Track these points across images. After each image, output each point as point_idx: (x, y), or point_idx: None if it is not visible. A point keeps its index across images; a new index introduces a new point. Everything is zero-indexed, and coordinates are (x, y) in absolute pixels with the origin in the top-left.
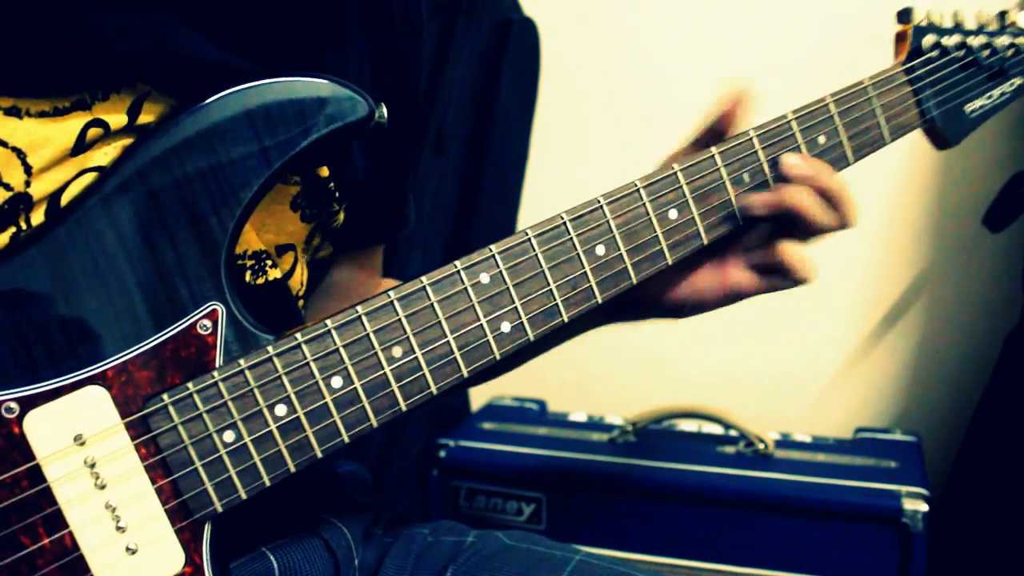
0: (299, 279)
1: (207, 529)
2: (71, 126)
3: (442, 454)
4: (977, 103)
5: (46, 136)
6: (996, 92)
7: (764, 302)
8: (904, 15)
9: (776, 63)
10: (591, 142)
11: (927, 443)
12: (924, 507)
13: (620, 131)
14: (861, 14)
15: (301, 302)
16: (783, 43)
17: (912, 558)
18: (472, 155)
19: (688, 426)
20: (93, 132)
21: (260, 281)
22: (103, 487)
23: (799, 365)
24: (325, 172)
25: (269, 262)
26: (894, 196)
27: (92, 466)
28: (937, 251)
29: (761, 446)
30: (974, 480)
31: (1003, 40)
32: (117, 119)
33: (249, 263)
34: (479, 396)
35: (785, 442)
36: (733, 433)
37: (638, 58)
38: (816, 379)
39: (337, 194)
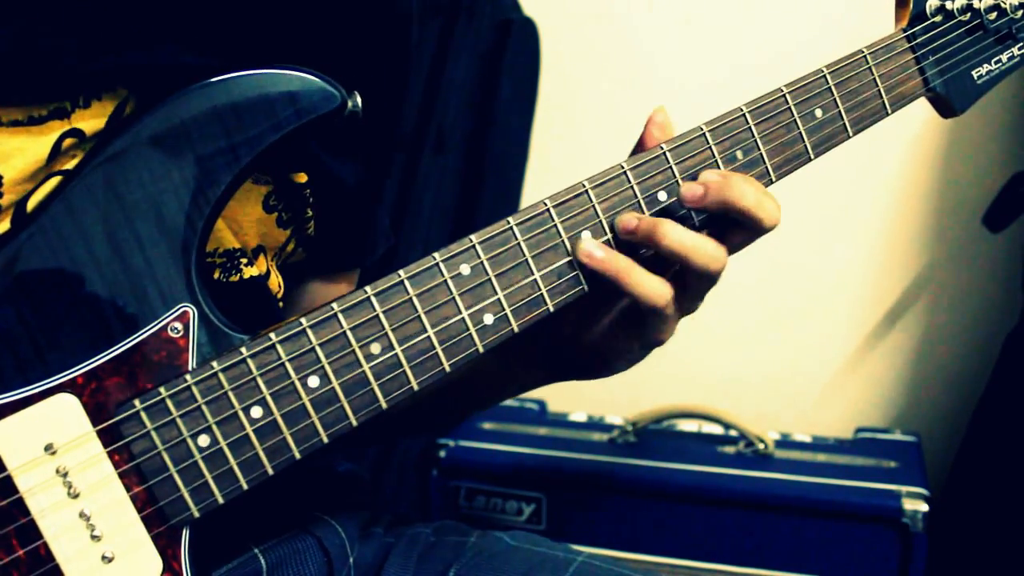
0: (276, 281)
1: (185, 534)
2: (46, 136)
3: (442, 454)
4: (984, 68)
5: (17, 146)
6: (1004, 56)
7: (764, 302)
8: None
9: (776, 62)
10: (591, 142)
11: (927, 443)
12: (924, 507)
13: (620, 131)
14: (862, 13)
15: (281, 304)
16: (784, 42)
17: (912, 558)
18: (472, 155)
19: (688, 426)
20: (68, 142)
21: (234, 279)
22: (76, 496)
23: (799, 365)
24: (303, 178)
25: (244, 260)
26: (894, 196)
27: (64, 475)
28: (937, 251)
29: (761, 446)
30: (974, 480)
31: (1011, 1)
32: (95, 124)
33: (219, 260)
34: None
35: (785, 442)
36: (733, 433)
37: (638, 58)
38: (816, 379)
39: (311, 200)
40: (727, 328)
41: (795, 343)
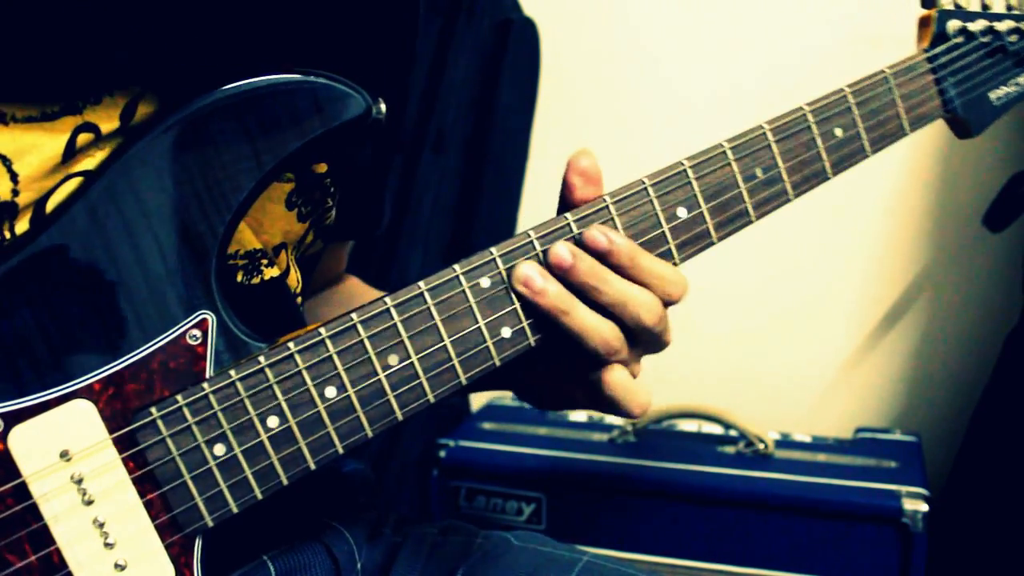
0: (295, 277)
1: (198, 543)
2: (60, 132)
3: (442, 454)
4: (1003, 91)
5: (32, 143)
6: (1022, 79)
7: (764, 302)
8: None
9: (777, 63)
10: (591, 142)
11: (927, 443)
12: (924, 507)
13: (620, 131)
14: (862, 14)
15: (299, 299)
16: (784, 43)
17: (912, 558)
18: (472, 155)
19: (688, 426)
20: (84, 138)
21: (255, 281)
22: (90, 503)
23: (799, 365)
24: (323, 168)
25: (264, 261)
26: (894, 196)
27: (79, 482)
28: (937, 251)
29: (761, 446)
30: (974, 480)
31: None
32: (109, 124)
33: (241, 263)
34: (479, 396)
35: (785, 442)
36: (733, 433)
37: (638, 58)
38: (816, 379)
39: (332, 189)
40: (727, 328)
41: (795, 343)
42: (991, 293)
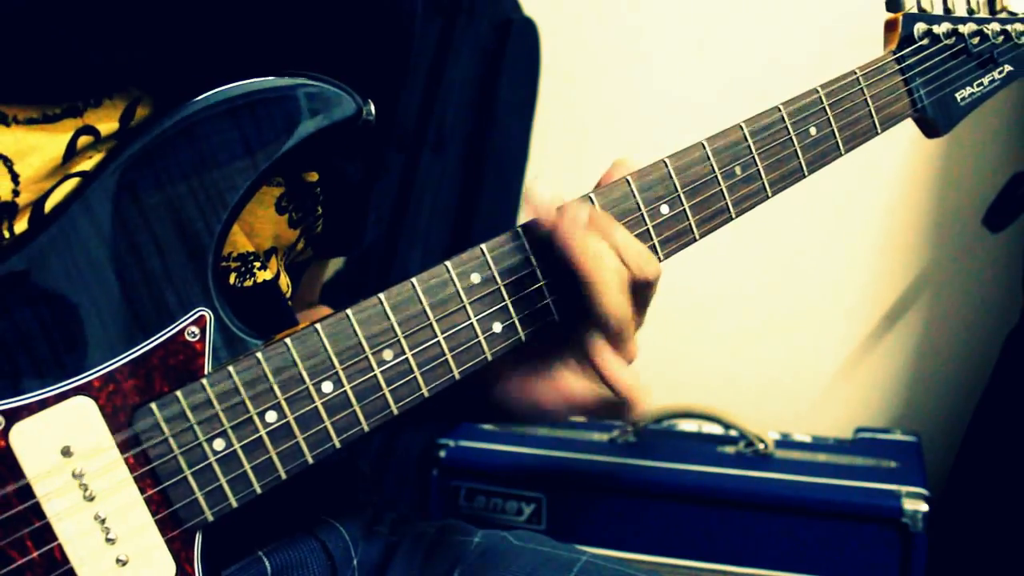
0: (285, 282)
1: (198, 537)
2: (61, 133)
3: (442, 454)
4: (967, 91)
5: (33, 144)
6: (986, 79)
7: (763, 302)
8: (894, 3)
9: (775, 63)
10: (591, 142)
11: (927, 443)
12: (924, 507)
13: (620, 131)
14: (861, 14)
15: (289, 304)
16: (782, 43)
17: (912, 558)
18: (472, 155)
19: (688, 426)
20: (84, 140)
21: (248, 283)
22: (92, 499)
23: (799, 365)
24: (314, 177)
25: (257, 264)
26: (894, 196)
27: (80, 478)
28: (937, 251)
29: (761, 446)
30: (974, 480)
31: (993, 27)
32: (108, 126)
33: (234, 265)
34: None
35: (785, 442)
36: (733, 433)
37: (638, 58)
38: (816, 379)
39: (322, 198)
40: (727, 328)
41: (795, 343)
42: (991, 293)
